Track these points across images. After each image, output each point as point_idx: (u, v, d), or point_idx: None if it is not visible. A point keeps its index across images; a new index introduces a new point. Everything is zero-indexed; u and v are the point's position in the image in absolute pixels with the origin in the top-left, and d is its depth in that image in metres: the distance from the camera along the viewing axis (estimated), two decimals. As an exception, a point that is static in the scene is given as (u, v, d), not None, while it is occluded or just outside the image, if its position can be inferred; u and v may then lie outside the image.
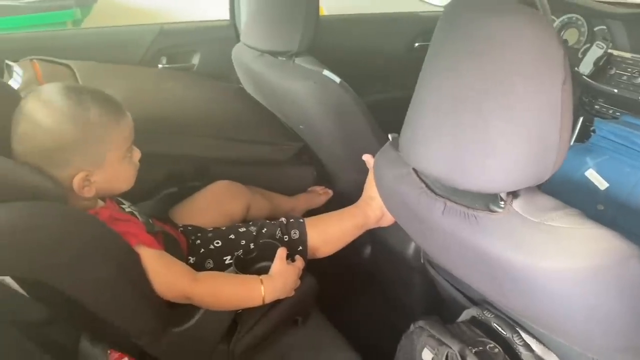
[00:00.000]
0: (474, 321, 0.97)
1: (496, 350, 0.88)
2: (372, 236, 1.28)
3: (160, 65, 1.68)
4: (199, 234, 1.14)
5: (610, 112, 1.47)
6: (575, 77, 1.42)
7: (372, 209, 1.20)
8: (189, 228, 1.15)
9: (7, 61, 1.33)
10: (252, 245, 1.12)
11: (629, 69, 1.33)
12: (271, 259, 1.02)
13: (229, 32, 1.80)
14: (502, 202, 0.67)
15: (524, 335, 0.89)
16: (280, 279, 1.00)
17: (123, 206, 1.02)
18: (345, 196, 1.34)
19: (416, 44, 2.13)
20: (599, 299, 0.61)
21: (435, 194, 0.75)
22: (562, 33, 1.52)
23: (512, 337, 0.89)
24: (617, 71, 1.36)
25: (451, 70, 0.66)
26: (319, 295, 1.17)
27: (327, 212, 1.24)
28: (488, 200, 0.68)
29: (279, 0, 1.28)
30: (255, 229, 1.15)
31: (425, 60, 0.72)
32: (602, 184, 1.28)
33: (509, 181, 0.63)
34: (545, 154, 0.62)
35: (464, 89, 0.64)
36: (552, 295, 0.63)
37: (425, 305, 1.31)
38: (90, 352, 0.92)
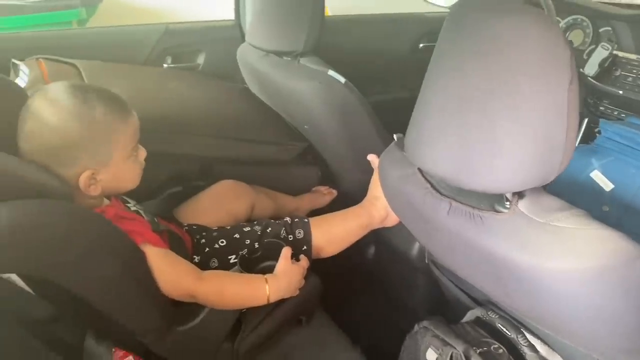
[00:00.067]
0: (478, 322, 0.97)
1: (500, 351, 0.87)
2: (376, 236, 1.28)
3: (165, 65, 1.69)
4: (203, 233, 1.14)
5: (615, 113, 1.47)
6: (580, 78, 1.41)
7: (376, 209, 1.20)
8: (194, 227, 1.16)
9: (13, 60, 1.34)
10: (256, 245, 1.12)
11: (635, 71, 1.33)
12: (276, 258, 1.03)
13: (233, 32, 1.80)
14: (508, 203, 0.67)
15: (528, 336, 0.89)
16: (284, 278, 1.00)
17: (128, 205, 1.03)
18: (349, 196, 1.34)
19: (420, 45, 2.13)
20: (605, 299, 0.61)
21: (441, 194, 0.75)
22: (567, 34, 1.52)
23: (517, 337, 0.89)
24: (623, 72, 1.36)
25: (457, 70, 0.66)
26: (323, 295, 1.17)
27: (332, 212, 1.24)
28: (493, 201, 0.68)
29: (284, 0, 1.28)
30: (259, 228, 1.15)
31: (431, 61, 0.72)
32: (607, 185, 1.27)
33: (516, 181, 0.63)
34: (551, 154, 0.62)
35: (470, 89, 0.64)
36: (557, 296, 0.63)
37: (429, 306, 1.31)
38: (95, 350, 0.92)
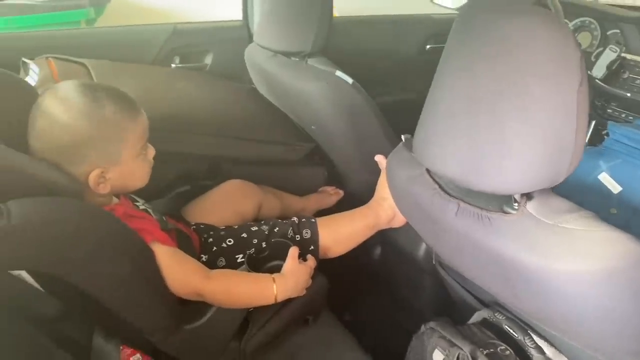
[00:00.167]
0: (485, 323, 0.97)
1: (507, 352, 0.87)
2: (382, 237, 1.28)
3: (173, 65, 1.69)
4: (211, 232, 1.14)
5: (623, 115, 1.46)
6: (588, 80, 1.41)
7: (383, 210, 1.20)
8: (202, 226, 1.16)
9: (23, 59, 1.34)
10: (264, 244, 1.12)
11: (643, 73, 1.33)
12: (283, 258, 1.03)
13: (241, 33, 1.81)
14: (516, 204, 0.67)
15: (535, 337, 0.89)
16: (292, 278, 1.00)
17: (137, 203, 1.03)
18: (356, 197, 1.34)
19: (428, 46, 2.13)
20: (613, 301, 0.61)
21: (449, 195, 0.75)
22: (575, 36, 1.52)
23: (524, 339, 0.89)
24: (631, 75, 1.36)
25: (466, 70, 0.66)
26: (329, 295, 1.17)
27: (339, 212, 1.25)
28: (502, 202, 0.68)
29: (292, 1, 1.29)
30: (267, 228, 1.15)
31: (440, 61, 0.72)
32: (615, 187, 1.27)
33: (524, 182, 0.63)
34: (560, 156, 0.62)
35: (479, 89, 0.64)
36: (565, 297, 0.63)
37: (436, 307, 1.31)
38: (103, 348, 0.93)
